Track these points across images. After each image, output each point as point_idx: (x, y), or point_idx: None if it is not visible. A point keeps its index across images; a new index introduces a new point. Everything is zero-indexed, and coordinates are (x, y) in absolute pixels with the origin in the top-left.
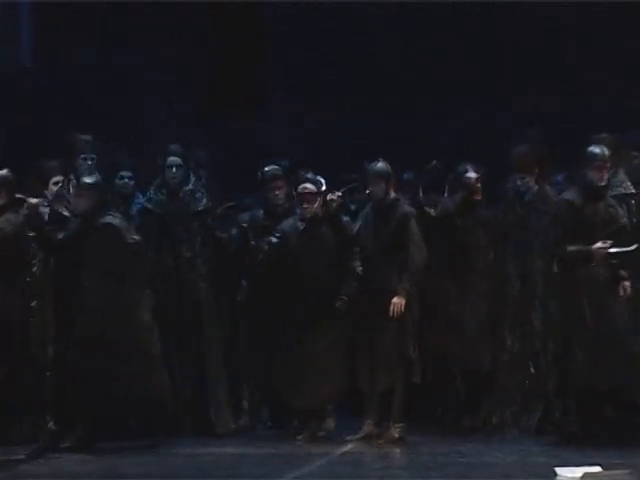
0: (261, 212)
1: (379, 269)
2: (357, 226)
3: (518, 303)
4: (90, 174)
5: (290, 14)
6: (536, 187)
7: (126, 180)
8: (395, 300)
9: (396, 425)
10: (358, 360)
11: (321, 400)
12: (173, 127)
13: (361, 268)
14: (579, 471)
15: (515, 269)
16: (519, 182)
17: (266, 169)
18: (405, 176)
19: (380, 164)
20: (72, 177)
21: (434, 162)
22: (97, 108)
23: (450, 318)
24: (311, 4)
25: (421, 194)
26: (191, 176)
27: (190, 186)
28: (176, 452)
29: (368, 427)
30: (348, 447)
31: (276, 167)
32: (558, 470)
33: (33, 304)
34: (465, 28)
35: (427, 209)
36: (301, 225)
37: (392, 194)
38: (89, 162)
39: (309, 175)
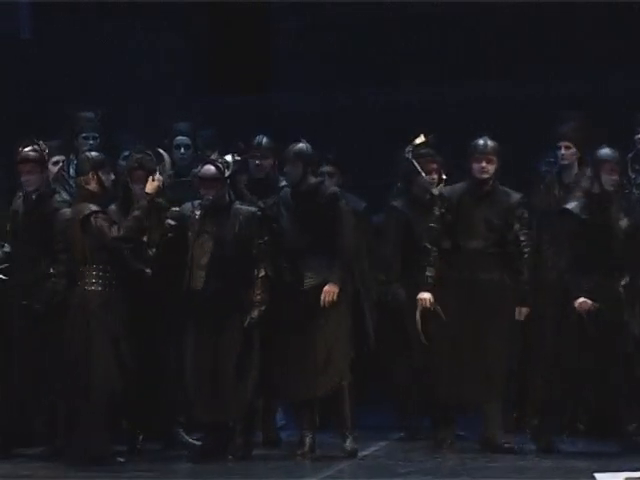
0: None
1: (309, 264)
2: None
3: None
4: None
5: None
6: (577, 169)
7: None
8: (326, 288)
9: (349, 435)
10: (290, 366)
11: None
12: (178, 103)
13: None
14: (620, 476)
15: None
16: (563, 151)
17: (20, 149)
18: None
19: (300, 144)
20: (73, 157)
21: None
22: (99, 84)
23: None
24: None
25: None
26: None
27: None
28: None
29: (309, 440)
30: (370, 450)
31: (31, 148)
32: (597, 475)
33: None
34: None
35: None
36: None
37: (312, 178)
38: (91, 141)
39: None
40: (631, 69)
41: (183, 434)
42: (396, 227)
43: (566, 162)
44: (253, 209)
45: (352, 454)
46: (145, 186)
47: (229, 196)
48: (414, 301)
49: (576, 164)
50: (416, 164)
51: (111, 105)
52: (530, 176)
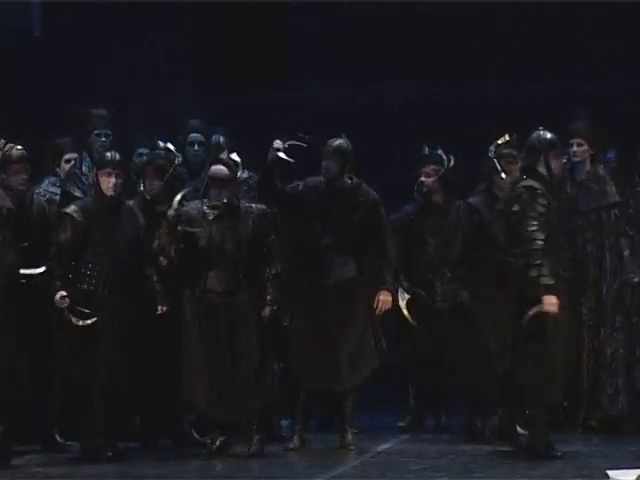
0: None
1: (335, 261)
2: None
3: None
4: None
5: None
6: (589, 166)
7: (144, 158)
8: (383, 298)
9: (351, 430)
10: (311, 359)
11: None
12: (188, 101)
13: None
14: (633, 474)
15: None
16: (575, 148)
17: (14, 149)
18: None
19: (340, 141)
20: (85, 155)
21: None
22: (111, 80)
23: None
24: None
25: None
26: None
27: None
28: (200, 453)
29: (302, 433)
30: (382, 448)
31: (20, 147)
32: (610, 473)
33: None
34: None
35: None
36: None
37: (348, 178)
38: (103, 138)
39: (224, 155)
40: (631, 69)
41: (193, 432)
42: (469, 225)
43: (578, 159)
44: (263, 207)
45: (351, 448)
46: (154, 182)
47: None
48: (478, 303)
49: (588, 161)
50: (497, 164)
51: (120, 103)
52: None
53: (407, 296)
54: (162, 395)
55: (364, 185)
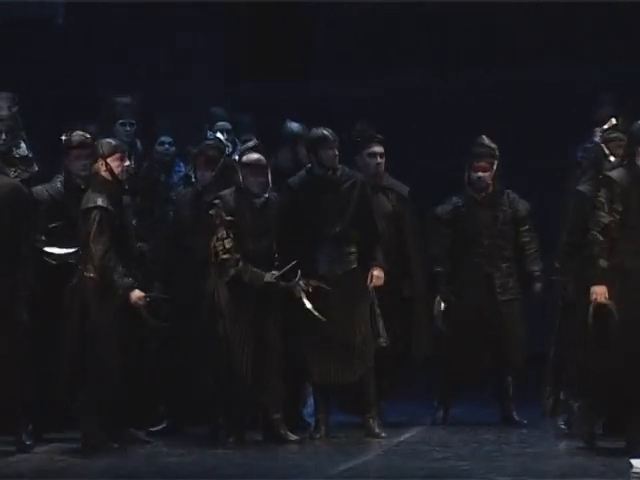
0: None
1: (339, 251)
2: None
3: None
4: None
5: None
6: None
7: (167, 146)
8: (377, 273)
9: (375, 418)
10: (319, 352)
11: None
12: (213, 89)
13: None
14: None
15: None
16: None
17: (75, 135)
18: None
19: (329, 129)
20: None
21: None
22: (135, 69)
23: None
24: None
25: None
26: (237, 143)
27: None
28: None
29: (325, 424)
30: (406, 436)
31: (82, 133)
32: (634, 461)
33: None
34: None
35: None
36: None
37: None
38: (128, 127)
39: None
40: (631, 69)
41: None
42: (580, 213)
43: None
44: (274, 194)
45: (379, 436)
46: (205, 173)
47: None
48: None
49: None
50: (605, 148)
51: (145, 91)
52: (564, 162)
53: (442, 307)
54: (189, 382)
55: (345, 167)
